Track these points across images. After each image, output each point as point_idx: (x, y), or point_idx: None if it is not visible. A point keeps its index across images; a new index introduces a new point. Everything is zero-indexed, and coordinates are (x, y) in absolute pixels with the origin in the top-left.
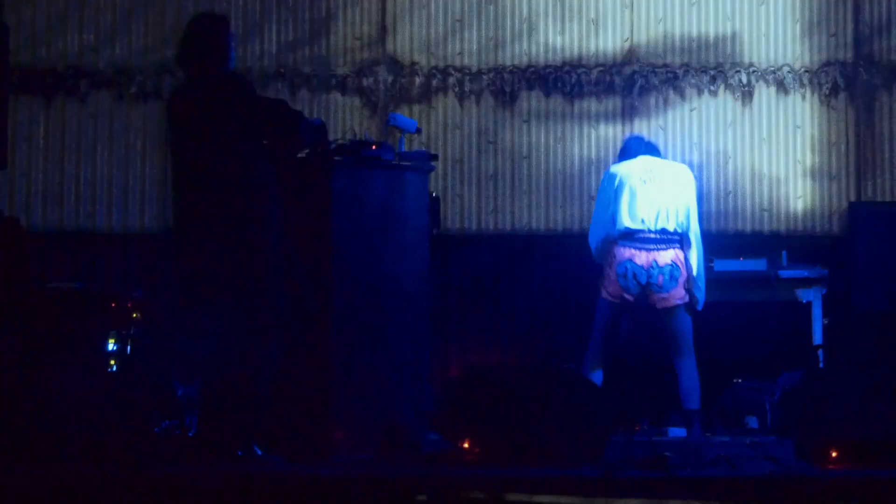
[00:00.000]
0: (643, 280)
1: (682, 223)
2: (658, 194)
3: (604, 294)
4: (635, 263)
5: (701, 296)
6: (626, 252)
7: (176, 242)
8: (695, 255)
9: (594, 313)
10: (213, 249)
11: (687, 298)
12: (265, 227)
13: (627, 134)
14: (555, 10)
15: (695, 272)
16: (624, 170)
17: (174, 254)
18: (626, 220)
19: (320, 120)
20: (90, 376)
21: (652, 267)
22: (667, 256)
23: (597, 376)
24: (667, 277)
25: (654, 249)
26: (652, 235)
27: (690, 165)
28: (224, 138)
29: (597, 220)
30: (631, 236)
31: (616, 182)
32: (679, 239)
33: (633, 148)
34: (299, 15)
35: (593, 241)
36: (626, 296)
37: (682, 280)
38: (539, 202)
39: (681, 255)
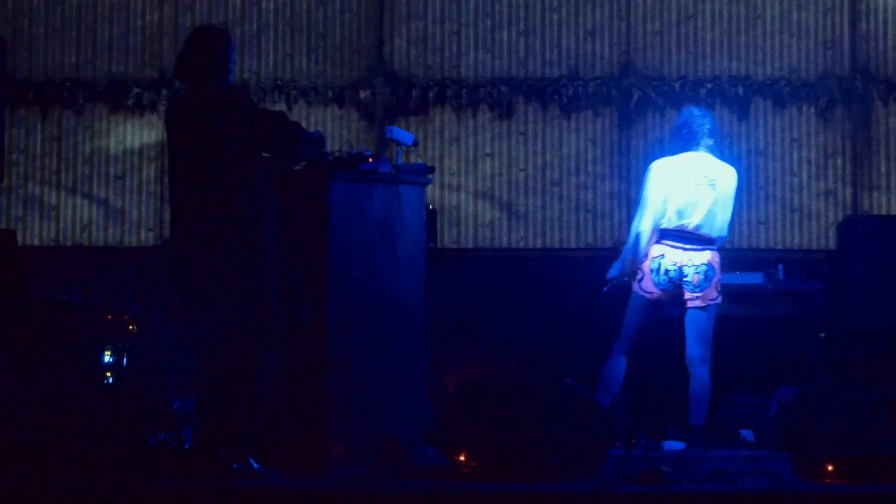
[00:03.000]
0: (676, 277)
1: (724, 230)
2: (710, 202)
3: (636, 288)
4: (669, 261)
5: None
6: (661, 249)
7: (172, 253)
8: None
9: (627, 309)
10: (208, 260)
11: (718, 300)
12: (261, 239)
13: (687, 114)
14: (552, 22)
15: None
16: (678, 166)
17: (170, 264)
18: (672, 220)
19: (319, 133)
20: (86, 389)
21: (686, 265)
22: (703, 257)
23: (621, 363)
24: (702, 277)
25: (690, 249)
26: (693, 237)
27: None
28: (222, 150)
29: (646, 210)
30: (671, 234)
31: (669, 177)
32: (718, 245)
33: (692, 137)
34: (297, 27)
35: (637, 229)
36: (658, 291)
37: (715, 281)
38: (535, 216)
39: (717, 257)
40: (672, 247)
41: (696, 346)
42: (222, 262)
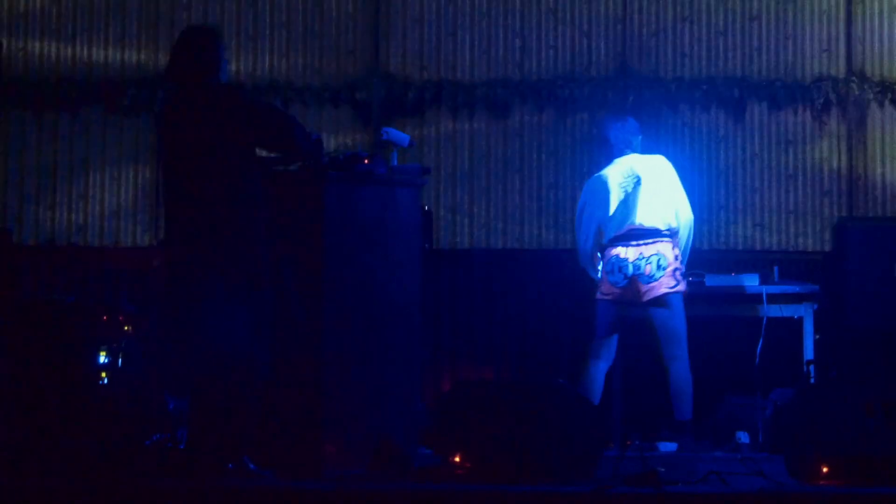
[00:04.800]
0: (629, 272)
1: (671, 220)
2: (643, 196)
3: (598, 295)
4: (621, 258)
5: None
6: (614, 251)
7: (166, 253)
8: (684, 233)
9: (593, 317)
10: (203, 261)
11: (678, 288)
12: (254, 239)
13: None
14: (548, 24)
15: (681, 246)
16: (605, 178)
17: (165, 265)
18: (616, 227)
19: (317, 135)
20: (81, 389)
21: (639, 258)
22: (654, 248)
23: (597, 368)
24: (654, 267)
25: (641, 245)
26: (641, 232)
27: (682, 180)
28: (213, 150)
29: (584, 228)
30: (622, 237)
31: (603, 189)
32: (669, 234)
33: (612, 147)
34: (292, 28)
35: (581, 249)
36: (616, 290)
37: (669, 269)
38: (531, 217)
39: (669, 247)
40: (624, 246)
41: (665, 345)
42: (217, 263)
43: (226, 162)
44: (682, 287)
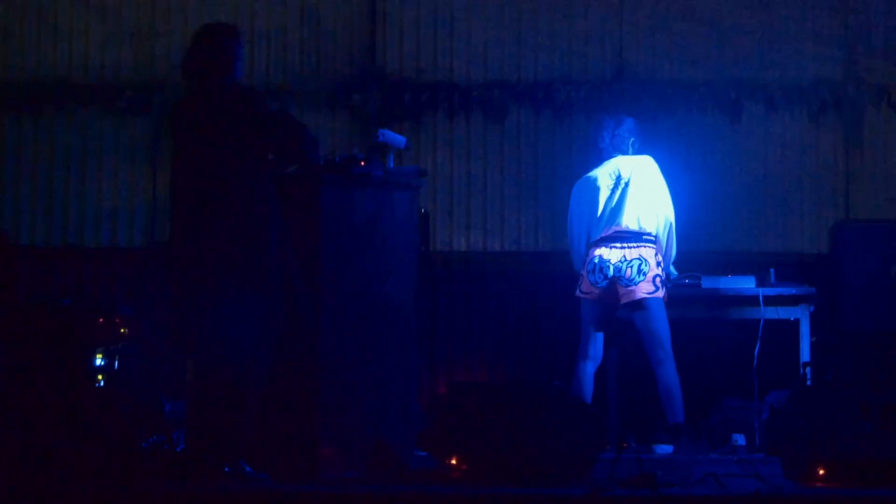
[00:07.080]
0: (609, 273)
1: (657, 223)
2: (630, 198)
3: (578, 293)
4: (603, 259)
5: (666, 270)
6: (597, 251)
7: (172, 254)
8: (664, 234)
9: (578, 316)
10: (210, 264)
11: (656, 294)
12: (264, 242)
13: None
14: (545, 26)
15: (663, 249)
16: (592, 181)
17: (169, 265)
18: (602, 228)
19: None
20: (78, 391)
21: (621, 261)
22: (637, 252)
23: (585, 369)
24: (634, 271)
25: (624, 247)
26: (627, 235)
27: (679, 182)
28: (226, 151)
29: (576, 230)
30: (608, 239)
31: (591, 191)
32: (654, 239)
33: (600, 151)
34: (289, 30)
35: (574, 251)
36: (596, 290)
37: (649, 275)
38: (528, 219)
39: (652, 252)
40: (608, 247)
41: (649, 348)
42: (224, 265)
43: (235, 162)
44: (661, 294)
